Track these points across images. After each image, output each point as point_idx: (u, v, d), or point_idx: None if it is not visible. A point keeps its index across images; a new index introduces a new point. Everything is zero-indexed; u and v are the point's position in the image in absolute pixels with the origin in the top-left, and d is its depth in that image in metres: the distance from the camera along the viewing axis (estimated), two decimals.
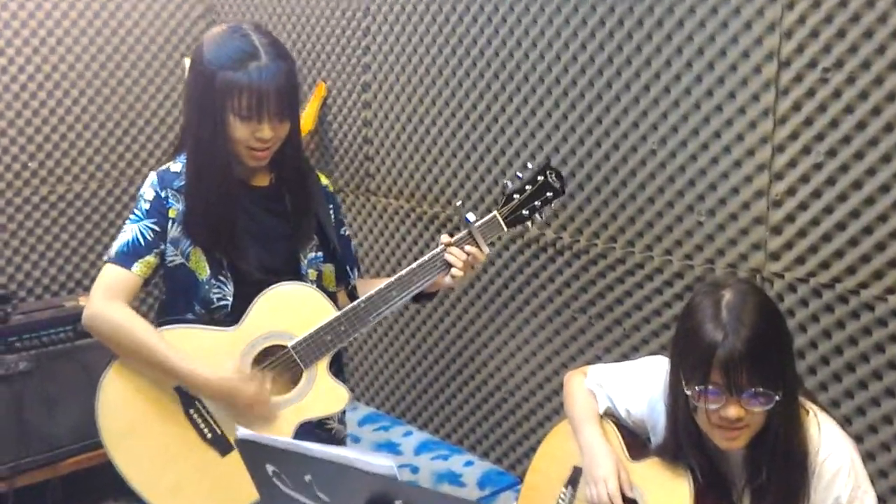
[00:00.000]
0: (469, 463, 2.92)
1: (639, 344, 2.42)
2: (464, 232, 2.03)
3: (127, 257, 1.98)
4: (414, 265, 2.02)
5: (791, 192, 2.05)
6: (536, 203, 2.07)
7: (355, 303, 2.00)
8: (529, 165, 2.09)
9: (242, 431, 1.57)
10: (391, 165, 3.07)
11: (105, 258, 2.02)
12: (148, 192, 2.02)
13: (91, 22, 3.37)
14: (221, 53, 1.92)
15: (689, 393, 1.63)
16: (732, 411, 1.59)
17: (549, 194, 2.07)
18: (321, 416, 2.08)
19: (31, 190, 3.34)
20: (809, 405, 1.72)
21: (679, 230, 2.28)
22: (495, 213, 2.05)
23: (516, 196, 2.06)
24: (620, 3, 2.30)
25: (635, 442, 1.93)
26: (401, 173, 3.04)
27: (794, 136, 2.03)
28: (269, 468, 1.55)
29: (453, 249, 2.01)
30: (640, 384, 1.90)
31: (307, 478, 1.50)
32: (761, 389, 1.57)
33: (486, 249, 2.04)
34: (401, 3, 2.89)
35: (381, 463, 1.41)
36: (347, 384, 3.57)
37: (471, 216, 2.04)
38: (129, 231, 2.00)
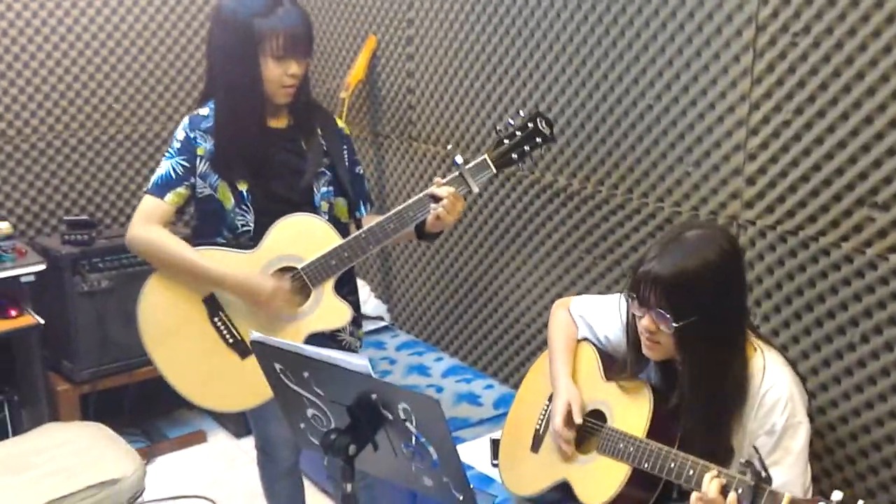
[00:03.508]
0: (489, 387, 3.21)
1: None
2: (454, 173, 2.23)
3: (161, 189, 2.26)
4: (409, 202, 2.22)
5: (764, 145, 2.23)
6: (526, 147, 2.26)
7: (357, 233, 2.24)
8: (521, 113, 2.29)
9: (255, 334, 1.86)
10: (430, 114, 3.33)
11: (144, 190, 2.31)
12: (180, 133, 2.28)
13: None
14: (249, 3, 2.16)
15: (626, 299, 1.92)
16: (644, 321, 1.88)
17: (538, 139, 2.26)
18: (327, 329, 2.31)
19: (116, 129, 3.75)
20: (759, 344, 1.94)
21: (671, 179, 2.48)
22: (485, 155, 2.24)
23: (506, 141, 2.26)
24: None
25: (612, 364, 2.19)
26: (439, 122, 3.30)
27: (768, 94, 2.19)
28: (277, 366, 1.84)
29: (440, 188, 2.20)
30: (616, 313, 2.15)
31: (305, 374, 1.78)
32: (662, 312, 1.83)
33: (476, 189, 2.23)
34: None
35: (358, 362, 1.70)
36: (392, 314, 3.86)
37: (459, 158, 2.23)
38: (164, 167, 2.27)
